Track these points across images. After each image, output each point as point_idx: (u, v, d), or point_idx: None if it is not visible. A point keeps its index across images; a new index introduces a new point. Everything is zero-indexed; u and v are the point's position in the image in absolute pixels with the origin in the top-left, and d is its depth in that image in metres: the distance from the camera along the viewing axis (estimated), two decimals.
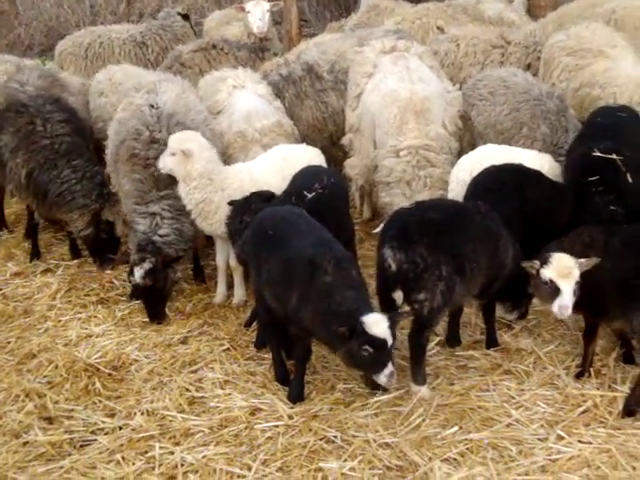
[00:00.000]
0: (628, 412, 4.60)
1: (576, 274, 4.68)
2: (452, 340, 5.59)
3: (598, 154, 5.78)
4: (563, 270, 4.69)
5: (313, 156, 6.62)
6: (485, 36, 8.54)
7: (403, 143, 6.54)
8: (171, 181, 6.21)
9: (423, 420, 4.70)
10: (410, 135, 6.58)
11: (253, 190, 6.00)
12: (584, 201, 5.71)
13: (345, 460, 4.42)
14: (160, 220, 6.24)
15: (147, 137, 6.31)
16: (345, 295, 4.55)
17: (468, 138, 7.38)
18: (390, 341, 4.46)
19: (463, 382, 5.10)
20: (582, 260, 4.70)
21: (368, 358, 4.46)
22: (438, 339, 5.63)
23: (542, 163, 6.30)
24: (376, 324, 4.43)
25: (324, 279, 4.58)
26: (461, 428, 4.62)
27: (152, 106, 6.50)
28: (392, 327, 4.48)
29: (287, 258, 4.79)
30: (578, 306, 4.94)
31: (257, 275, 5.10)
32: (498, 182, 5.71)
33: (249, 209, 5.79)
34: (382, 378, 4.52)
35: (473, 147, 6.96)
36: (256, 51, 9.44)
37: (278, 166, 6.36)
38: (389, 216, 5.34)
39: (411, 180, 6.46)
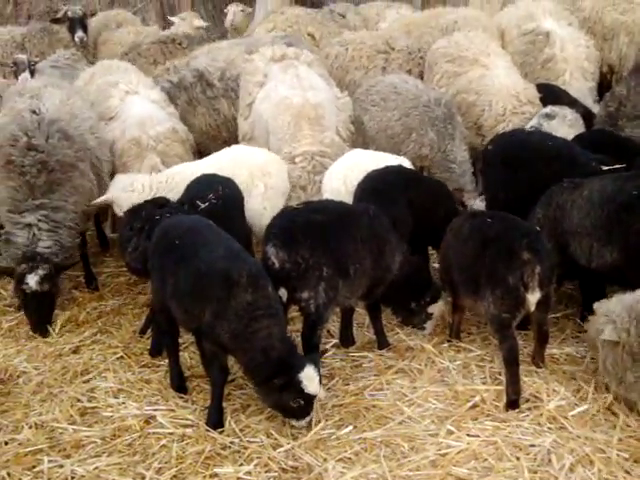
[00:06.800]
0: (510, 404, 4.78)
1: None
2: (346, 340, 5.67)
3: None
4: None
5: None
6: (372, 41, 8.76)
7: (298, 149, 6.65)
8: (48, 189, 6.05)
9: (319, 421, 4.73)
10: (305, 142, 6.69)
11: None
12: None
13: (241, 465, 4.41)
14: (38, 231, 6.04)
15: (24, 143, 6.11)
16: (269, 332, 4.52)
17: (361, 142, 7.53)
18: (320, 395, 4.60)
19: (357, 382, 5.17)
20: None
21: (296, 409, 4.57)
22: (334, 341, 5.71)
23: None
24: (311, 381, 4.50)
25: (244, 298, 4.48)
26: (355, 427, 4.69)
27: (34, 112, 6.30)
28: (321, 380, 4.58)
29: (198, 271, 4.64)
30: None
31: (160, 286, 4.96)
32: (385, 184, 5.88)
33: (139, 216, 5.71)
34: (302, 423, 4.63)
35: None
36: None
37: None
38: (276, 214, 5.41)
39: (306, 185, 6.54)
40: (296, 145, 6.68)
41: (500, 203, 6.03)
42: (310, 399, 4.55)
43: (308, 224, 5.05)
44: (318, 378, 4.51)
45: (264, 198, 6.50)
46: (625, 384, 4.55)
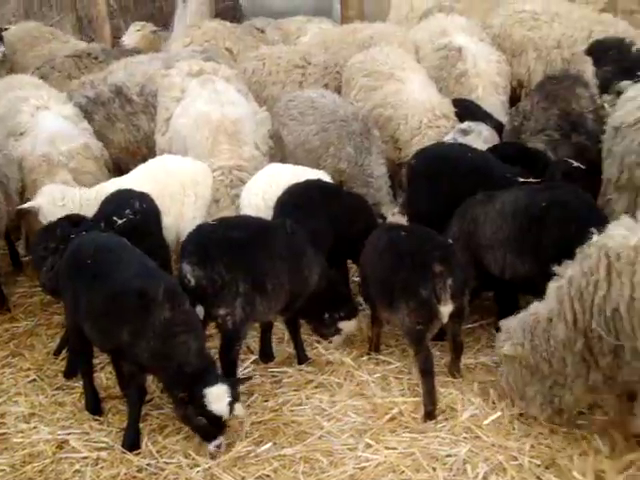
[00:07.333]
0: (427, 415, 4.83)
1: None
2: (265, 356, 5.66)
3: None
4: None
5: None
6: (289, 56, 8.81)
7: (215, 164, 6.58)
8: None
9: (240, 440, 4.70)
10: (223, 156, 6.65)
11: None
12: None
13: None
14: None
15: None
16: (188, 347, 4.46)
17: (280, 157, 7.54)
18: (226, 416, 4.45)
19: (277, 398, 5.16)
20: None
21: (201, 427, 4.46)
22: (254, 357, 5.67)
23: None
24: (217, 400, 4.39)
25: (161, 314, 4.43)
26: (275, 444, 4.67)
27: None
28: (233, 399, 4.46)
29: (112, 290, 4.57)
30: None
31: (73, 307, 4.86)
32: (305, 198, 5.91)
33: (54, 235, 5.58)
34: (210, 447, 4.51)
35: None
36: None
37: None
38: (191, 231, 5.38)
39: (220, 198, 6.51)
40: (214, 160, 6.63)
41: (424, 217, 6.10)
42: (215, 419, 4.41)
43: (224, 240, 5.05)
44: (228, 400, 4.41)
45: (195, 208, 6.48)
46: (526, 399, 4.64)
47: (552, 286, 4.37)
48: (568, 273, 4.24)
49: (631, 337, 3.85)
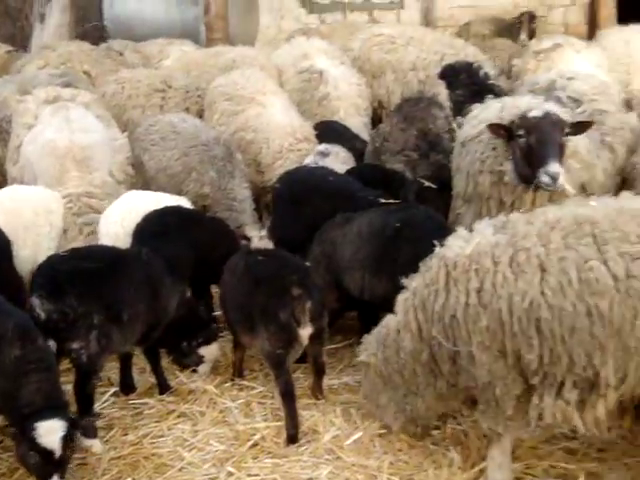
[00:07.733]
0: (290, 438, 4.82)
1: None
2: (126, 387, 5.50)
3: None
4: None
5: None
6: (149, 80, 8.73)
7: (64, 192, 6.41)
8: None
9: (97, 478, 4.51)
10: (71, 184, 6.51)
11: None
12: None
13: None
14: None
15: None
16: (39, 386, 4.25)
17: (141, 183, 7.41)
18: (59, 453, 4.20)
19: (137, 431, 5.01)
20: None
21: (34, 465, 4.22)
22: (114, 389, 5.50)
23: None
24: (47, 434, 4.15)
25: (12, 353, 4.20)
26: None
27: None
28: (68, 437, 4.22)
29: None
30: None
31: None
32: (164, 225, 5.83)
33: None
34: None
35: None
36: None
37: None
38: (40, 263, 5.20)
39: (67, 228, 6.33)
40: (61, 188, 6.46)
41: (289, 240, 6.14)
42: (45, 454, 4.16)
43: (75, 271, 4.89)
44: (60, 434, 4.18)
45: (50, 238, 6.25)
46: (380, 407, 4.74)
47: (400, 299, 4.50)
48: (413, 285, 4.38)
49: (467, 342, 4.02)
